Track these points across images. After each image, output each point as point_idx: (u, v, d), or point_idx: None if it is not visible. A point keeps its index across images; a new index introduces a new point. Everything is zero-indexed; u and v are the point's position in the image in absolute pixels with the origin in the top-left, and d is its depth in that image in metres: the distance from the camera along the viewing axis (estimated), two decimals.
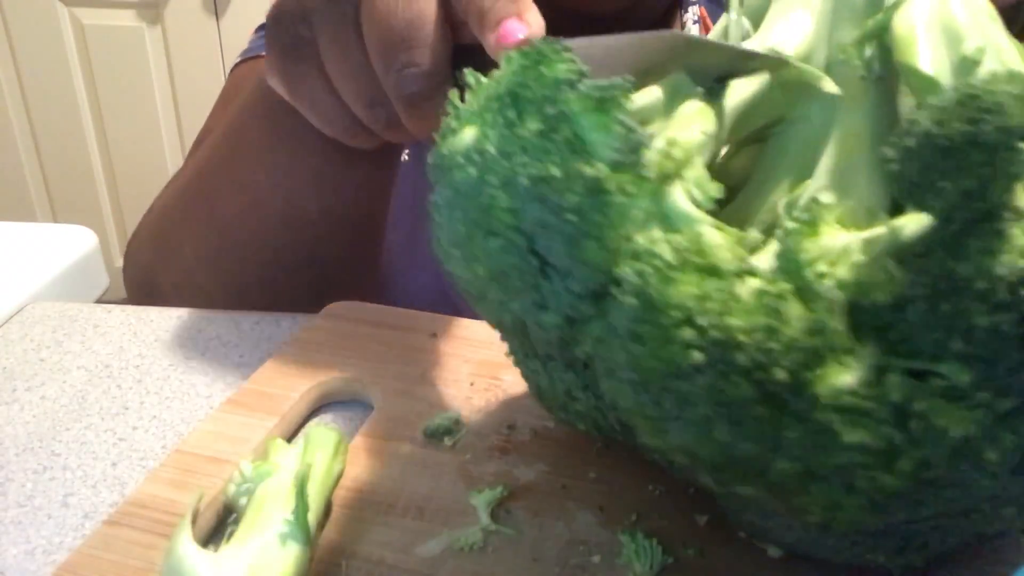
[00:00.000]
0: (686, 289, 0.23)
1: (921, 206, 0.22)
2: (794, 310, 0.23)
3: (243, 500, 0.33)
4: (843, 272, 0.23)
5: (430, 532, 0.33)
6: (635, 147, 0.25)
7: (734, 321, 0.23)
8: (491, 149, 0.27)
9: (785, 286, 0.23)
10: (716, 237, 0.25)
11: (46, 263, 0.62)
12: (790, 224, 0.24)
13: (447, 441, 0.39)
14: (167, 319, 0.54)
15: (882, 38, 0.27)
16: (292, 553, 0.30)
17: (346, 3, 0.38)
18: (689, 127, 0.27)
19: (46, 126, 1.87)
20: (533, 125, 0.26)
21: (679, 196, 0.26)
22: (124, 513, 0.35)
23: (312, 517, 0.32)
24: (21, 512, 0.37)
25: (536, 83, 0.26)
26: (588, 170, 0.25)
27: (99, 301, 0.63)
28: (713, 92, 0.29)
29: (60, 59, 1.78)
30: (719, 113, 0.28)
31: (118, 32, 1.77)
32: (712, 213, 0.26)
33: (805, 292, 0.23)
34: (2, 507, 0.38)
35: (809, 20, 0.30)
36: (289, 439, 0.40)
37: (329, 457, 0.35)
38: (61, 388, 0.46)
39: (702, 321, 0.23)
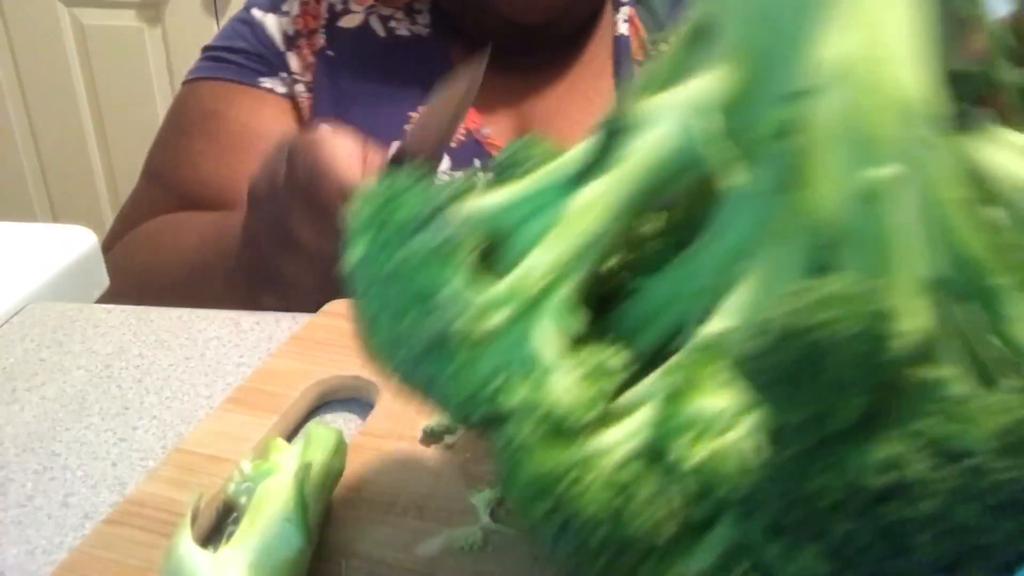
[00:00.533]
0: (539, 464, 0.23)
1: (772, 416, 0.21)
2: (645, 493, 0.22)
3: (243, 499, 0.33)
4: (703, 452, 0.22)
5: (430, 531, 0.33)
6: (462, 310, 0.24)
7: (585, 505, 0.22)
8: (366, 276, 0.26)
9: (637, 468, 0.22)
10: (570, 395, 0.24)
11: (46, 263, 0.62)
12: (670, 383, 0.23)
13: (447, 440, 0.39)
14: (167, 319, 0.54)
15: (797, 130, 0.23)
16: (292, 553, 0.30)
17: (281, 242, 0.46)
18: (566, 236, 0.25)
19: (46, 126, 1.87)
20: (394, 258, 0.25)
21: (537, 334, 0.24)
22: (124, 512, 0.35)
23: (312, 517, 0.32)
24: (21, 512, 0.37)
25: (391, 219, 0.26)
26: (428, 325, 0.24)
27: (99, 301, 0.63)
28: (609, 151, 0.26)
29: (60, 59, 1.78)
30: (617, 196, 0.25)
31: (118, 32, 1.77)
32: (583, 335, 0.25)
33: (663, 469, 0.22)
34: (2, 507, 0.38)
35: (744, 61, 0.24)
36: (289, 438, 0.40)
37: (329, 456, 0.35)
38: (61, 388, 0.46)
39: (555, 499, 0.23)
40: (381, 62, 0.67)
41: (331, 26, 0.68)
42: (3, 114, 1.86)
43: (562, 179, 0.26)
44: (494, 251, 0.26)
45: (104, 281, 0.67)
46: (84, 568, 0.32)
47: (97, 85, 1.82)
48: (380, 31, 0.69)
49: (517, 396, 0.24)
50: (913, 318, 0.20)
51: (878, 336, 0.19)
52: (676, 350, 0.25)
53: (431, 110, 0.45)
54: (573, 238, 0.25)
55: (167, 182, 0.70)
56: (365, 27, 0.68)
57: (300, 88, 0.67)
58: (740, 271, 0.24)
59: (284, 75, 0.68)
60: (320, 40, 0.67)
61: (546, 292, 0.25)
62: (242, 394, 0.42)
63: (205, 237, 0.59)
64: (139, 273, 0.65)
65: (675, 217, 0.30)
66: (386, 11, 0.69)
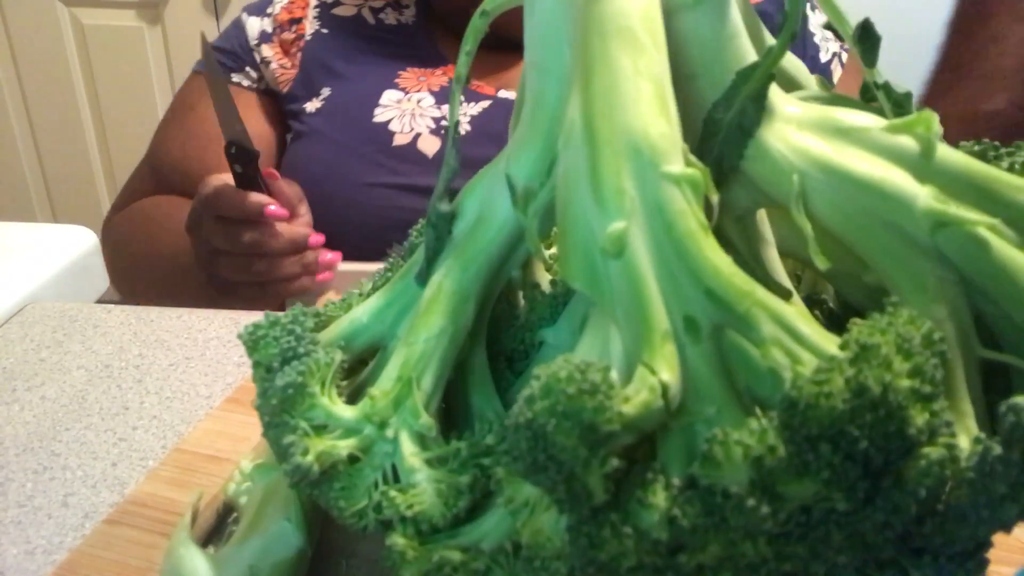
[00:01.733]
0: (414, 566, 0.25)
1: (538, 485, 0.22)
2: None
3: (243, 499, 0.33)
4: (527, 533, 0.24)
5: None
6: (309, 448, 0.26)
7: None
8: (263, 413, 0.28)
9: (480, 566, 0.25)
10: (432, 498, 0.26)
11: (46, 263, 0.62)
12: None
13: None
14: (167, 319, 0.54)
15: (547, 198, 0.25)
16: (292, 553, 0.30)
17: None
18: (410, 345, 0.27)
19: (46, 126, 1.87)
20: (264, 398, 0.27)
21: (400, 443, 0.26)
22: (124, 512, 0.35)
23: (312, 517, 0.32)
24: (21, 512, 0.37)
25: (259, 365, 0.28)
26: (299, 458, 0.26)
27: (99, 301, 0.63)
28: (442, 238, 0.28)
29: (60, 59, 1.78)
30: (459, 281, 0.27)
31: (118, 32, 1.76)
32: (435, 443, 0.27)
33: (504, 554, 0.25)
34: (2, 507, 0.38)
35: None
36: None
37: None
38: (61, 388, 0.46)
39: None
40: (371, 39, 0.81)
41: (325, 12, 0.82)
42: (3, 114, 1.86)
43: (413, 276, 0.28)
44: (377, 357, 0.29)
45: (104, 281, 0.67)
46: (84, 568, 0.32)
47: (97, 85, 1.82)
48: (370, 19, 0.82)
49: (393, 507, 0.26)
50: (666, 368, 0.21)
51: (591, 411, 0.19)
52: None
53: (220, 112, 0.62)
54: (421, 341, 0.27)
55: (151, 160, 0.83)
56: (357, 16, 0.82)
57: (275, 67, 0.81)
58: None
59: (250, 70, 0.81)
60: (310, 25, 0.82)
61: (399, 401, 0.27)
62: (242, 394, 0.42)
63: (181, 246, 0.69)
64: (130, 262, 0.75)
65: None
66: (376, 3, 0.82)
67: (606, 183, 0.22)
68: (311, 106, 0.78)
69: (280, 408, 0.26)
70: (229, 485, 0.34)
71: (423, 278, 0.28)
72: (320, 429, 0.26)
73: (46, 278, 0.61)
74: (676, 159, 0.22)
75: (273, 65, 0.81)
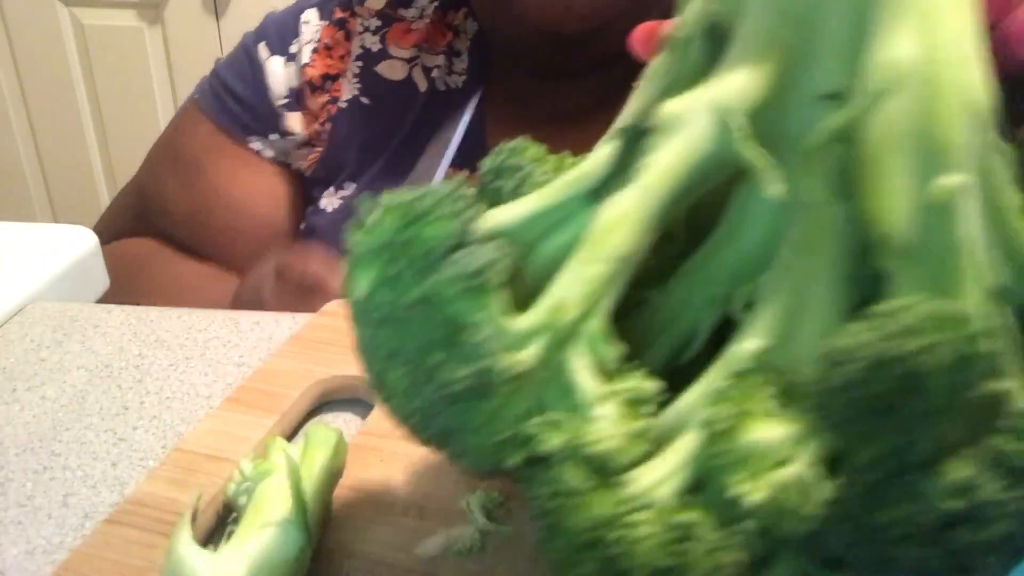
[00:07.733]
0: (589, 510, 0.21)
1: (844, 446, 0.20)
2: (704, 536, 0.20)
3: (243, 499, 0.33)
4: (761, 493, 0.20)
5: (430, 531, 0.33)
6: (503, 345, 0.22)
7: (639, 555, 0.20)
8: (376, 314, 0.24)
9: (693, 516, 0.21)
10: (614, 432, 0.22)
11: (46, 263, 0.62)
12: (713, 423, 0.21)
13: None
14: (167, 319, 0.54)
15: (853, 137, 0.21)
16: (292, 553, 0.30)
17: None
18: (597, 258, 0.23)
19: (46, 126, 1.87)
20: (414, 292, 0.23)
21: (575, 367, 0.23)
22: (124, 512, 0.35)
23: (312, 517, 0.32)
24: (21, 512, 0.37)
25: (412, 245, 0.23)
26: (461, 368, 0.22)
27: (99, 301, 0.63)
28: (631, 157, 0.23)
29: (60, 59, 1.78)
30: (648, 208, 0.23)
31: (118, 32, 1.77)
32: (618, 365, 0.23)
33: (719, 507, 0.21)
34: (2, 507, 0.38)
35: (773, 58, 0.23)
36: (289, 438, 0.40)
37: (329, 456, 0.35)
38: (61, 388, 0.46)
39: (606, 551, 0.20)
40: (416, 115, 0.65)
41: (367, 71, 0.65)
42: (3, 114, 1.86)
43: (584, 189, 0.24)
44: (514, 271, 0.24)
45: (104, 281, 0.67)
46: (84, 568, 0.32)
47: (97, 85, 1.82)
48: (422, 85, 0.66)
49: (560, 437, 0.22)
50: (987, 333, 0.19)
51: (973, 361, 0.18)
52: (684, 362, 0.24)
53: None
54: (605, 260, 0.23)
55: (146, 202, 0.73)
56: (407, 81, 0.66)
57: (299, 141, 0.66)
58: (761, 281, 0.23)
59: (275, 136, 0.67)
60: (348, 86, 0.66)
61: (581, 321, 0.23)
62: (242, 394, 0.42)
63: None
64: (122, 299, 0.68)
65: (671, 227, 0.27)
66: (430, 61, 0.66)
67: (939, 139, 0.20)
68: (328, 203, 0.66)
69: (452, 299, 0.22)
70: (229, 485, 0.34)
71: (596, 195, 0.24)
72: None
73: (46, 278, 0.61)
74: (998, 127, 0.21)
75: (298, 140, 0.67)
